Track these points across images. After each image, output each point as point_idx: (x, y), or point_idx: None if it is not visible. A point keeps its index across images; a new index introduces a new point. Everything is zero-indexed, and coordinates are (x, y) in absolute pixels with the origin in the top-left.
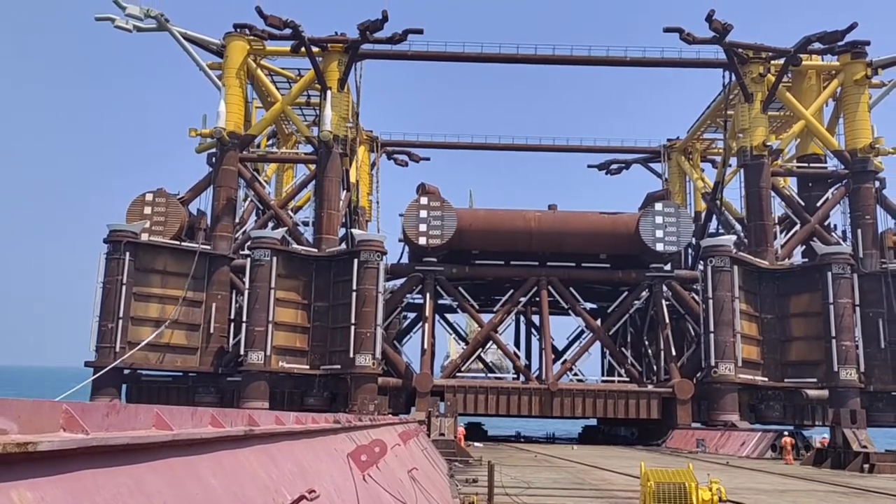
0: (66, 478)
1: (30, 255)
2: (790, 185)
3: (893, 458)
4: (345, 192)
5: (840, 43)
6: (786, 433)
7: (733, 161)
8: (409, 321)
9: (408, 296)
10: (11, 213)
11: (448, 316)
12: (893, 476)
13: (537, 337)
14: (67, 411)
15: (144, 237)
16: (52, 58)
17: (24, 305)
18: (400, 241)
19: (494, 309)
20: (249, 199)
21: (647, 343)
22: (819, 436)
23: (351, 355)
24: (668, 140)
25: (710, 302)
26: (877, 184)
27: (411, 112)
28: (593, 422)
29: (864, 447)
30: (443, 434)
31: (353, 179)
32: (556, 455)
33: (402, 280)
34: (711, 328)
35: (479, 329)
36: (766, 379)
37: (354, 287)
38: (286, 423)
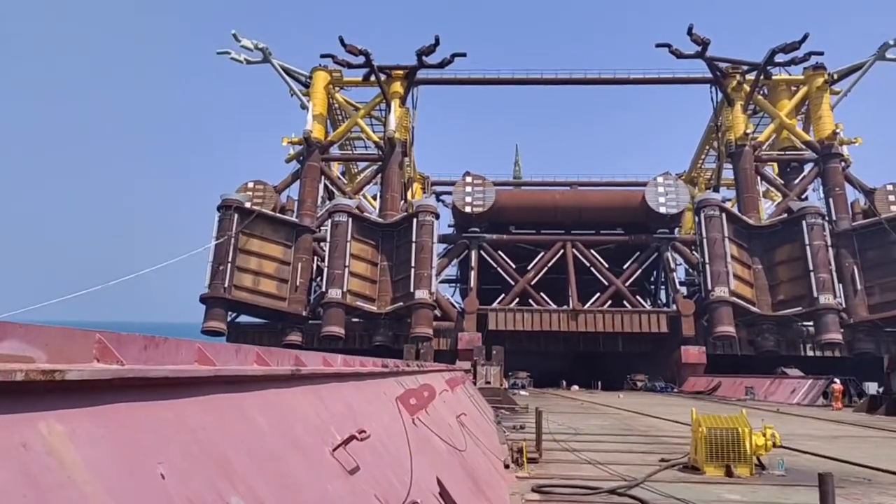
0: (99, 410)
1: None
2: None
3: None
4: (402, 202)
5: (799, 53)
6: (836, 380)
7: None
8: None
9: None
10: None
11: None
12: None
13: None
14: (101, 341)
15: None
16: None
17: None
18: (450, 227)
19: (528, 267)
20: (329, 192)
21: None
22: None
23: (411, 290)
24: (676, 174)
25: (705, 241)
26: (843, 164)
27: (453, 152)
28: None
29: None
30: (489, 382)
31: (410, 198)
32: (602, 402)
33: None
34: (707, 261)
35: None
36: (759, 309)
37: (413, 239)
38: (334, 364)
